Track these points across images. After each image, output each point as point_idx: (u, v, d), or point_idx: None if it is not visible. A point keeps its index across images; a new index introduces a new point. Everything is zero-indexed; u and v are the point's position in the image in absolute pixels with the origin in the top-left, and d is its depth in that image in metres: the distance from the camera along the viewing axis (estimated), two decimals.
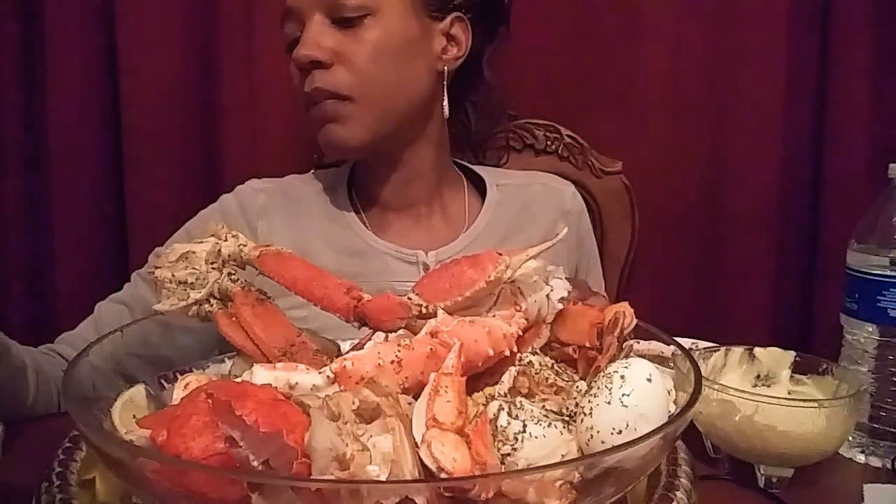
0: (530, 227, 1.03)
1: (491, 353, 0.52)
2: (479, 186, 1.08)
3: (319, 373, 0.49)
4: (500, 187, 1.06)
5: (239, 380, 0.50)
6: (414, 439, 0.43)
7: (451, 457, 0.41)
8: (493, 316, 0.55)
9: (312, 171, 1.10)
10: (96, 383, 0.55)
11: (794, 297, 1.29)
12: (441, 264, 0.58)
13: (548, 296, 0.58)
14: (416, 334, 0.53)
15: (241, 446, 0.40)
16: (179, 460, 0.41)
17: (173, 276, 0.57)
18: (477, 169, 1.09)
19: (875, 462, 0.75)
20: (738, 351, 0.76)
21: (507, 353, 0.53)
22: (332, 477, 0.40)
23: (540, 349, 0.56)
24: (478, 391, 0.53)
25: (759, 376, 0.75)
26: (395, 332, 0.55)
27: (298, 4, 0.91)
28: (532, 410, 0.48)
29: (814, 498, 0.70)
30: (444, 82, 0.97)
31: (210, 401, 0.43)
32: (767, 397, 0.67)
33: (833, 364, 0.75)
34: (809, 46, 1.23)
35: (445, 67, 0.97)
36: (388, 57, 0.91)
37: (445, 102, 0.97)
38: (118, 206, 1.26)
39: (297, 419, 0.43)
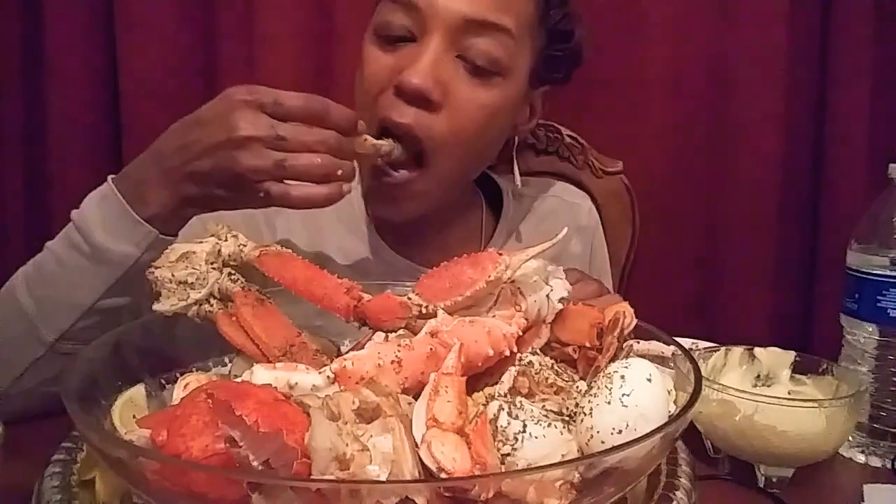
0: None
1: (491, 353, 0.52)
2: (494, 192, 1.05)
3: (319, 373, 0.49)
4: (516, 198, 1.04)
5: (239, 380, 0.50)
6: (414, 439, 0.43)
7: (451, 457, 0.41)
8: (493, 316, 0.55)
9: None
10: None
11: (794, 297, 1.29)
12: (441, 265, 0.58)
13: (548, 296, 0.58)
14: (416, 334, 0.53)
15: (241, 446, 0.40)
16: (179, 460, 0.41)
17: (173, 276, 0.57)
18: (493, 174, 1.07)
19: (875, 462, 0.75)
20: (738, 351, 0.76)
21: (507, 353, 0.53)
22: (332, 477, 0.40)
23: (540, 349, 0.56)
24: (478, 391, 0.52)
25: (759, 376, 0.75)
26: (395, 332, 0.55)
27: (431, 8, 0.79)
28: (532, 410, 0.48)
29: (814, 498, 0.70)
30: (514, 153, 0.94)
31: (210, 401, 0.43)
32: (767, 397, 0.67)
33: (833, 364, 0.75)
34: (810, 47, 1.23)
35: (517, 137, 0.93)
36: (494, 125, 0.85)
37: (517, 172, 0.94)
38: None
39: (297, 419, 0.43)
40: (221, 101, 0.71)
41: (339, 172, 0.71)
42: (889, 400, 0.76)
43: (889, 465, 0.74)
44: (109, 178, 0.76)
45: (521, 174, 1.14)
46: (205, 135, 0.70)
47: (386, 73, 0.81)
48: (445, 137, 0.80)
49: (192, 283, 0.57)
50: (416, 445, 0.42)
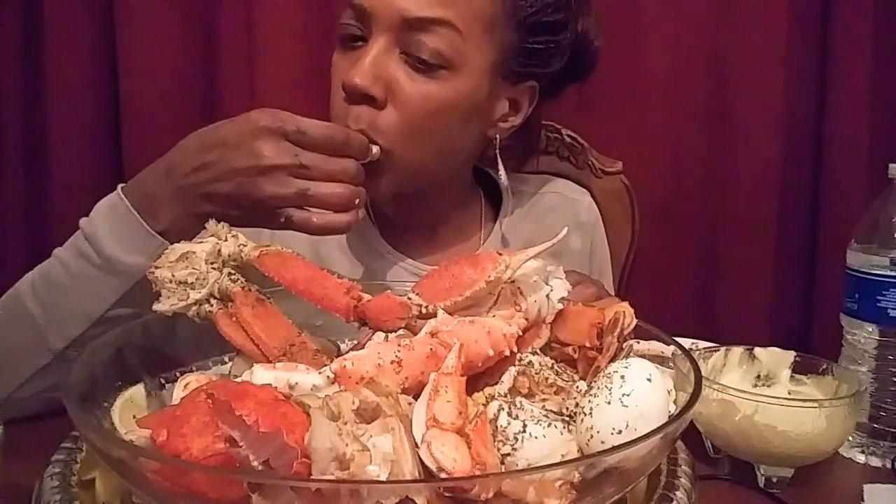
0: (545, 240, 1.00)
1: (491, 353, 0.52)
2: (494, 189, 1.04)
3: (319, 373, 0.49)
4: (515, 195, 1.03)
5: (239, 380, 0.50)
6: (414, 439, 0.43)
7: (451, 457, 0.41)
8: (493, 316, 0.55)
9: None
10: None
11: (794, 298, 1.29)
12: (441, 264, 0.58)
13: (548, 296, 0.58)
14: (416, 334, 0.53)
15: (241, 446, 0.40)
16: (179, 460, 0.41)
17: (173, 276, 0.57)
18: (491, 172, 1.05)
19: (875, 462, 0.75)
20: (738, 351, 0.76)
21: (507, 353, 0.53)
22: (332, 477, 0.40)
23: (540, 349, 0.56)
24: (478, 391, 0.52)
25: (759, 376, 0.75)
26: (395, 332, 0.55)
27: (373, 9, 0.80)
28: (532, 410, 0.48)
29: (814, 498, 0.70)
30: (497, 150, 0.91)
31: (210, 401, 0.43)
32: (767, 397, 0.67)
33: (833, 364, 0.75)
34: (809, 46, 1.23)
35: (498, 135, 0.90)
36: (446, 119, 0.82)
37: (502, 171, 0.92)
38: None
39: (297, 419, 0.43)
40: (244, 124, 0.71)
41: (357, 201, 0.73)
42: (889, 400, 0.76)
43: (889, 465, 0.74)
44: (119, 187, 0.76)
45: (523, 173, 1.14)
46: (226, 157, 0.70)
47: (341, 76, 0.82)
48: (396, 130, 0.80)
49: (192, 283, 0.57)
50: (416, 445, 0.42)
